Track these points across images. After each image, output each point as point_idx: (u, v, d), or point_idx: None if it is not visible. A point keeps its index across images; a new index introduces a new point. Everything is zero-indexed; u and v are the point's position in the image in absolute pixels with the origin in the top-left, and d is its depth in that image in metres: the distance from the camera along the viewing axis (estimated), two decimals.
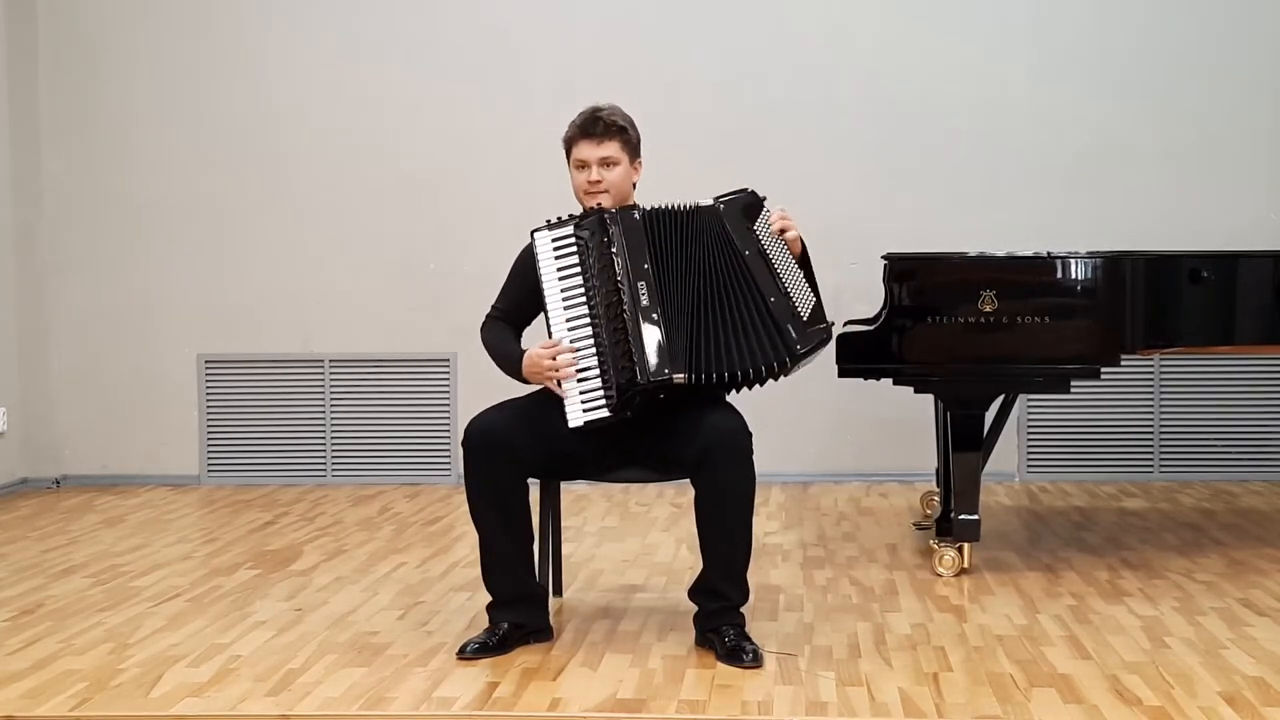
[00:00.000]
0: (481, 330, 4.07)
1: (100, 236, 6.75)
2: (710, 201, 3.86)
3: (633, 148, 3.96)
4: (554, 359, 3.78)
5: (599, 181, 3.89)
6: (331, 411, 6.73)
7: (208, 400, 6.76)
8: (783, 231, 3.84)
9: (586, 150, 3.91)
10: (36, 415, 6.74)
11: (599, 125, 3.90)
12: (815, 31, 6.58)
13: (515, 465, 3.77)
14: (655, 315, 3.74)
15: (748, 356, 3.75)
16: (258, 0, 6.70)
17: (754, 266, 3.78)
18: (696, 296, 3.77)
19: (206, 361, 6.75)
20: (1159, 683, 3.48)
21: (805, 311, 3.78)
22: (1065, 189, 6.51)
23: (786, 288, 3.78)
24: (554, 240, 3.85)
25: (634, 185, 3.99)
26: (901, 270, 4.71)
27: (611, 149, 3.91)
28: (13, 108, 6.64)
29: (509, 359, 3.93)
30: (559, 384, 3.79)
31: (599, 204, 3.88)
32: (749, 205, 3.84)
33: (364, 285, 6.69)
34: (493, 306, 4.08)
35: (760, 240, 3.81)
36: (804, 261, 3.88)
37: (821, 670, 3.60)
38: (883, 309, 4.76)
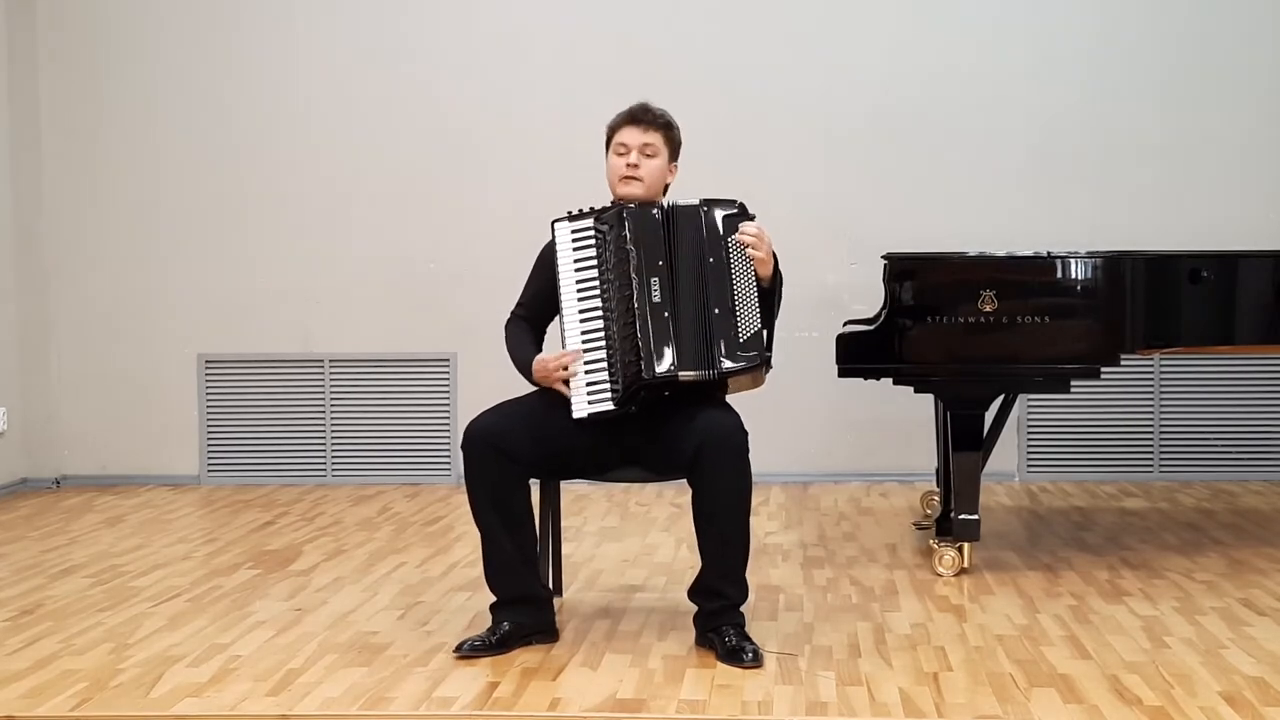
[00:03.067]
0: (505, 328, 4.09)
1: (100, 236, 6.75)
2: (696, 201, 3.87)
3: (674, 146, 3.99)
4: (563, 367, 3.80)
5: (636, 166, 3.89)
6: (331, 411, 6.73)
7: (208, 400, 6.76)
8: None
9: (630, 135, 3.92)
10: (36, 415, 6.74)
11: (648, 114, 3.95)
12: (816, 31, 6.58)
13: (515, 466, 3.78)
14: (666, 312, 3.75)
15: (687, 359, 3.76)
16: (258, 1, 6.71)
17: (711, 275, 3.78)
18: (695, 294, 3.78)
19: (206, 361, 6.75)
20: (1159, 682, 3.48)
21: (744, 335, 3.76)
22: (1065, 189, 6.51)
23: (735, 305, 3.77)
24: (574, 232, 3.87)
25: (666, 188, 4.00)
26: (901, 270, 4.71)
27: (654, 138, 3.93)
28: (13, 108, 6.64)
29: (522, 363, 3.96)
30: (566, 383, 3.81)
31: (630, 194, 3.88)
32: (729, 216, 3.83)
33: (364, 285, 6.69)
34: (516, 304, 4.10)
35: (729, 252, 3.80)
36: (769, 290, 3.84)
37: (821, 670, 3.60)
38: (883, 309, 4.76)
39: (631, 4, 6.62)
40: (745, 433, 3.74)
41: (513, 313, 4.10)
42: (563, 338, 3.84)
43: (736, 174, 6.37)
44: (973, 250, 5.22)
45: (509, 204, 6.44)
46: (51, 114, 6.72)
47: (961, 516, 4.64)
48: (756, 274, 3.80)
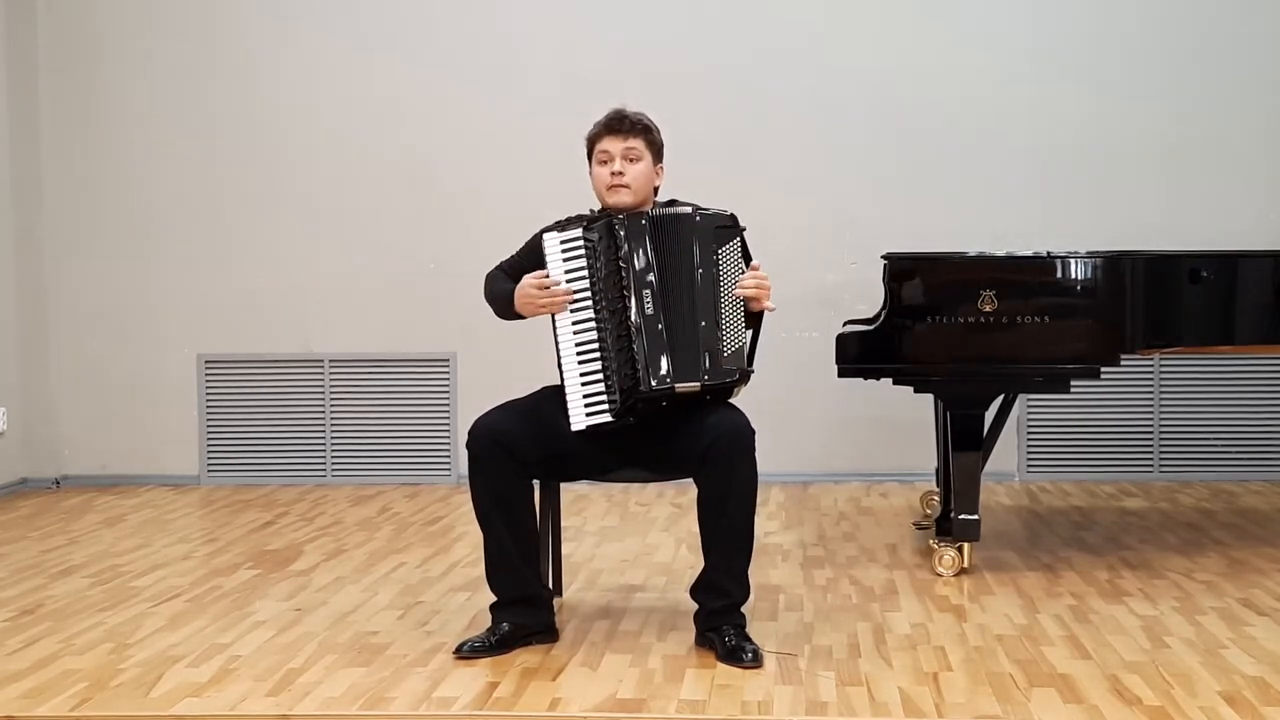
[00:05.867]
0: (485, 280, 4.07)
1: (100, 237, 6.75)
2: (688, 210, 3.87)
3: (656, 149, 3.95)
4: (544, 289, 3.79)
5: (621, 174, 3.87)
6: (331, 411, 6.73)
7: (208, 400, 6.76)
8: (753, 285, 3.81)
9: (610, 144, 3.90)
10: (36, 415, 6.74)
11: (625, 121, 3.91)
12: (815, 32, 6.58)
13: (519, 466, 3.78)
14: (659, 325, 3.75)
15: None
16: (258, 2, 6.70)
17: (701, 286, 3.78)
18: (686, 306, 3.78)
19: (206, 361, 6.75)
20: (1159, 682, 3.48)
21: (729, 348, 3.77)
22: (1065, 189, 6.51)
23: (721, 318, 3.77)
24: (563, 243, 3.85)
25: (656, 190, 3.99)
26: (901, 270, 4.71)
27: (635, 143, 3.90)
28: (13, 108, 6.64)
29: (501, 298, 3.95)
30: (562, 374, 3.79)
31: (619, 202, 3.87)
32: (722, 228, 3.83)
33: (364, 285, 6.69)
34: (500, 263, 4.08)
35: (719, 264, 3.80)
36: (755, 316, 3.85)
37: (821, 670, 3.60)
38: (883, 309, 4.76)
39: (632, 4, 6.62)
40: (753, 430, 3.74)
41: (495, 268, 4.08)
42: (557, 348, 3.83)
43: (737, 174, 6.38)
44: (973, 250, 5.21)
45: (509, 203, 6.43)
46: (51, 114, 6.72)
47: (961, 516, 4.64)
48: (747, 308, 3.80)
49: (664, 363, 3.74)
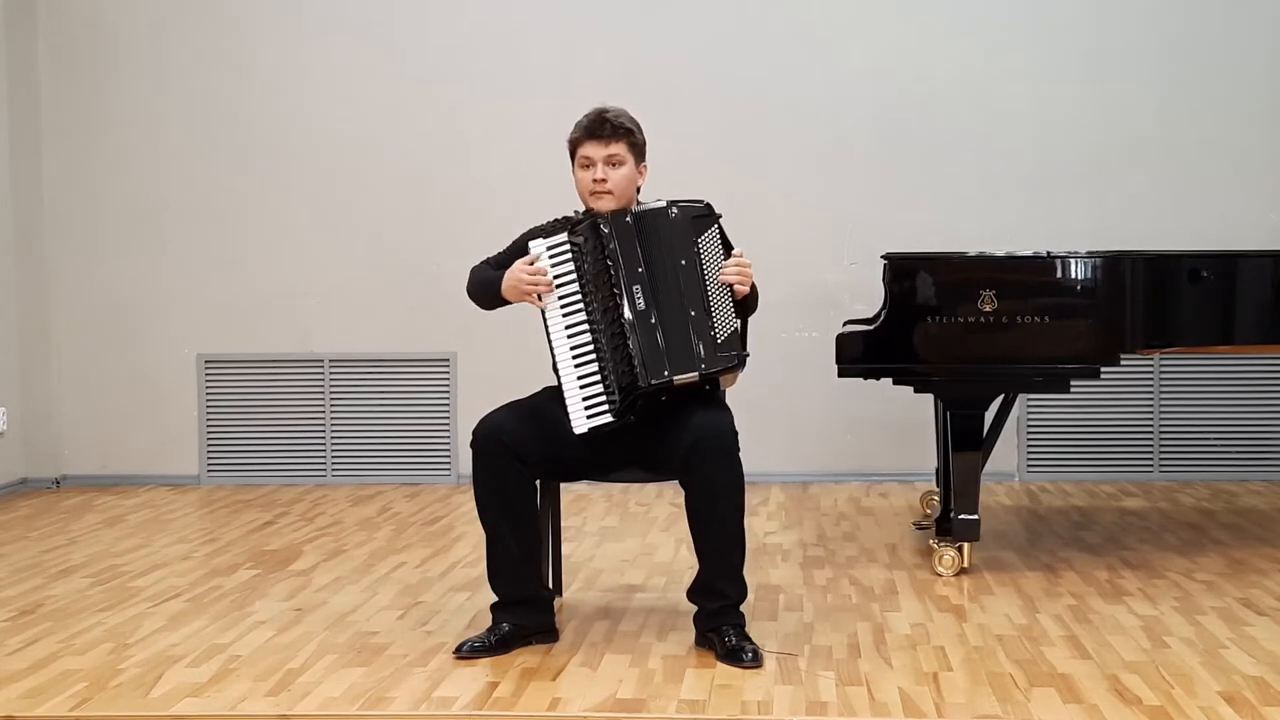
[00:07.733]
0: (470, 274, 4.04)
1: (100, 237, 6.75)
2: (664, 203, 3.87)
3: (638, 150, 3.95)
4: (532, 274, 3.79)
5: (604, 180, 3.87)
6: (331, 411, 6.73)
7: (208, 400, 6.76)
8: (735, 271, 3.80)
9: (592, 149, 3.89)
10: (36, 415, 6.74)
11: (606, 126, 3.89)
12: (816, 31, 6.58)
13: (522, 466, 3.78)
14: (651, 319, 3.76)
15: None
16: (259, 1, 6.71)
17: (686, 277, 3.78)
18: (674, 298, 3.78)
19: (206, 361, 6.75)
20: (1159, 682, 3.48)
21: (721, 335, 3.77)
22: (1065, 189, 6.51)
23: (710, 306, 3.77)
24: (549, 248, 3.85)
25: (638, 190, 3.99)
26: (901, 270, 4.71)
27: (618, 148, 3.89)
28: (13, 108, 6.64)
29: (488, 284, 3.93)
30: (559, 379, 3.79)
31: (602, 207, 3.87)
32: (699, 217, 3.83)
33: (364, 285, 6.69)
34: (487, 258, 4.06)
35: (700, 254, 3.80)
36: (743, 302, 3.84)
37: (821, 670, 3.61)
38: (882, 309, 4.77)
39: (632, 6, 6.62)
40: (735, 431, 3.74)
41: (480, 262, 4.06)
42: (551, 353, 3.84)
43: (737, 175, 6.39)
44: (973, 250, 5.22)
45: (509, 203, 6.42)
46: (51, 114, 6.72)
47: (961, 516, 4.64)
48: (733, 293, 3.80)
49: (660, 357, 3.74)
